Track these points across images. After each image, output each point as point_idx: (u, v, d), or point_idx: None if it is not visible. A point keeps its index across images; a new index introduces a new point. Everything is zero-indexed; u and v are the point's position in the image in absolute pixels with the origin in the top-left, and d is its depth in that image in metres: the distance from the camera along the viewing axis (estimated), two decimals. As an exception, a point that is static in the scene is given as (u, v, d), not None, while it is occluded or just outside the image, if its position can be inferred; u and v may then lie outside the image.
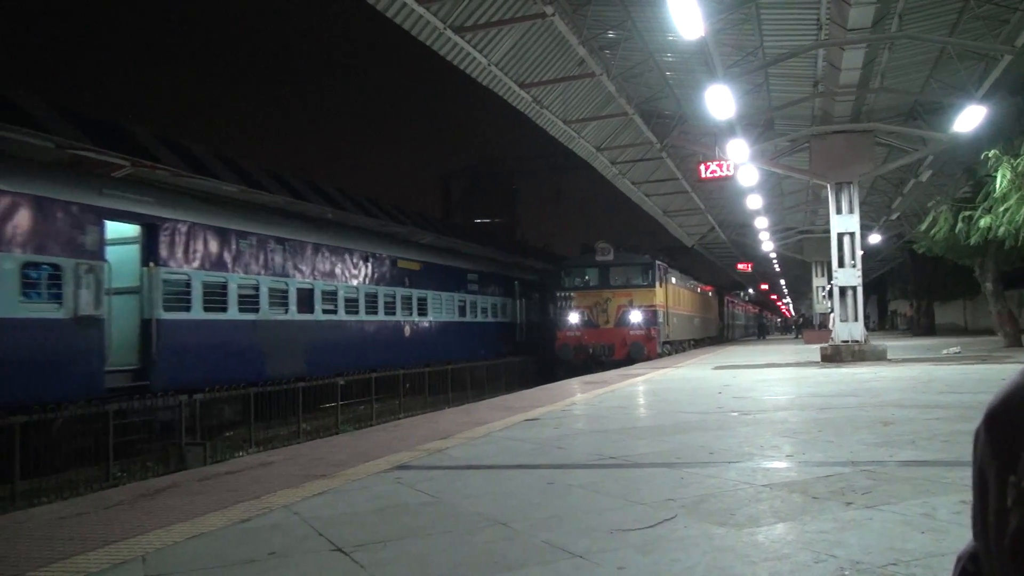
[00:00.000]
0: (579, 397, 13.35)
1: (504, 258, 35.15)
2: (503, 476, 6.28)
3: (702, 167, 23.44)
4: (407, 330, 23.44)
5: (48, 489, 10.19)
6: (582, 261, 30.62)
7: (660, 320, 29.23)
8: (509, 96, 19.45)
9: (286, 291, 17.98)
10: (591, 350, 28.05)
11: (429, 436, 8.68)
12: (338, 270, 20.12)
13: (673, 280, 33.66)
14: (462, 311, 27.40)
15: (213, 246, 15.69)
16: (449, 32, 15.55)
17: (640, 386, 15.37)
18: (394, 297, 22.74)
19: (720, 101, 15.83)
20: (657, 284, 29.31)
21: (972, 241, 21.34)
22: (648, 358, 27.06)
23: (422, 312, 24.43)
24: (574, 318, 28.81)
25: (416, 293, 24.00)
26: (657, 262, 30.09)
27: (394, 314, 22.74)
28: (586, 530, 4.36)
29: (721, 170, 22.69)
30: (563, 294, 29.63)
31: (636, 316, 28.33)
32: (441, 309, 25.83)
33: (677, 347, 33.68)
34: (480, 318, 28.95)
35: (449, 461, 7.04)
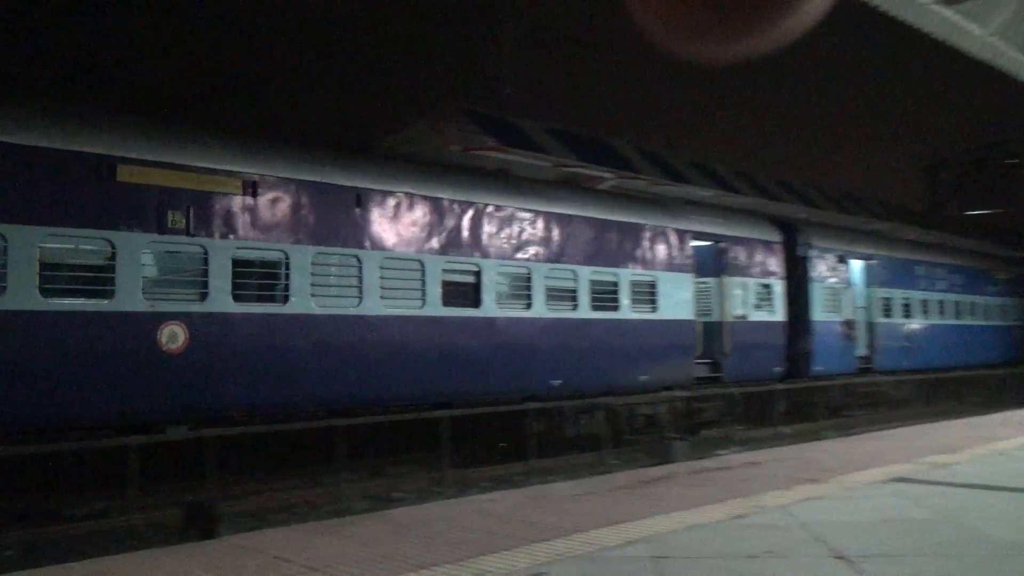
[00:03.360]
0: (1122, 416, 11.05)
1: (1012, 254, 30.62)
2: (1027, 501, 5.49)
3: None
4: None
5: (555, 469, 11.53)
6: None
7: None
8: (1014, 68, 16.84)
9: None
10: None
11: (929, 449, 7.94)
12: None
13: None
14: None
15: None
16: (936, 6, 14.00)
17: None
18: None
19: None
20: None
21: None
22: None
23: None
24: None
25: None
26: None
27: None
28: None
29: None
30: None
31: None
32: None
33: None
34: (985, 321, 25.90)
35: (955, 478, 6.37)
